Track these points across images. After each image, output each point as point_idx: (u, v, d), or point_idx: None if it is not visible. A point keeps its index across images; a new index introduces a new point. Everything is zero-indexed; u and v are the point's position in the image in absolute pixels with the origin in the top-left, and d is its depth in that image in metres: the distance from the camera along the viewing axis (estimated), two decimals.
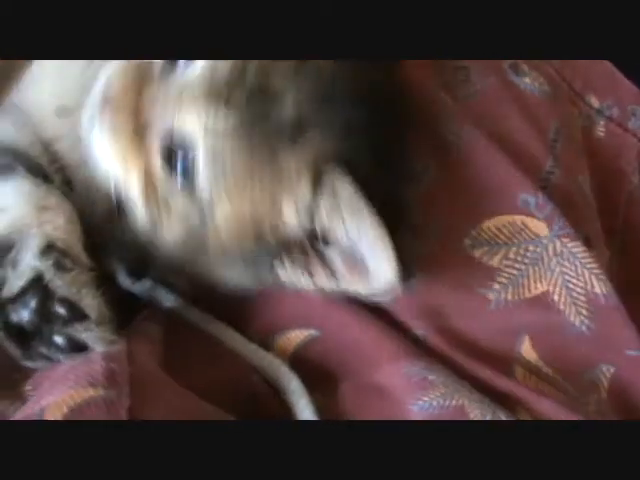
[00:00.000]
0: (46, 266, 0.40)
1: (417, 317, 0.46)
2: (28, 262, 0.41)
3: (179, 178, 0.40)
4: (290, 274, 0.41)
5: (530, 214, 0.46)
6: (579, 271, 0.46)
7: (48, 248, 0.41)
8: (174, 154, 0.40)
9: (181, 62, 0.40)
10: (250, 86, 0.39)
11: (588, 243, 0.47)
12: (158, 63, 0.41)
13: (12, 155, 0.46)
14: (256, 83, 0.39)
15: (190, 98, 0.39)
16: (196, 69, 0.39)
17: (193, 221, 0.40)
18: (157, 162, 0.40)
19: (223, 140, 0.38)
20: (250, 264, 0.41)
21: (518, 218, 0.46)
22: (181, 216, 0.41)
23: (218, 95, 0.39)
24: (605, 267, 0.48)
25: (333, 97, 0.39)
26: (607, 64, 0.57)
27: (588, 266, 0.46)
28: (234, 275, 0.42)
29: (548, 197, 0.46)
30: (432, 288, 0.45)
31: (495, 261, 0.45)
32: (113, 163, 0.42)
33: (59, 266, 0.41)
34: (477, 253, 0.45)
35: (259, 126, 0.38)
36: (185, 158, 0.40)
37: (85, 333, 0.40)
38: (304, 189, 0.39)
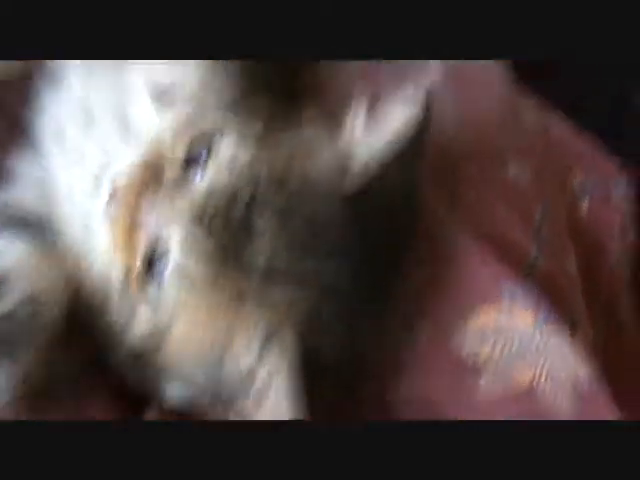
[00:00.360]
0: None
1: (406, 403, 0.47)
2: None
3: (152, 286, 0.41)
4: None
5: (515, 304, 0.47)
6: (565, 358, 0.47)
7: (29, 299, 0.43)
8: (154, 262, 0.41)
9: (193, 175, 0.41)
10: (235, 218, 0.40)
11: (573, 326, 0.48)
12: (172, 169, 0.42)
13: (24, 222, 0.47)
14: (241, 217, 0.40)
15: (180, 212, 0.40)
16: (199, 187, 0.40)
17: (154, 329, 0.41)
18: (138, 263, 0.41)
19: (195, 262, 0.39)
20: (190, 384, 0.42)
21: (505, 309, 0.47)
22: (146, 320, 0.41)
23: (202, 217, 0.39)
24: (590, 347, 0.49)
25: (313, 251, 0.40)
26: (590, 140, 0.58)
27: (573, 352, 0.47)
28: (173, 390, 0.43)
29: (533, 285, 0.47)
30: (421, 379, 0.46)
31: (483, 354, 0.46)
32: (103, 252, 0.43)
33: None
34: (465, 346, 0.46)
35: (231, 261, 0.39)
36: (162, 269, 0.40)
37: None
38: (254, 342, 0.40)
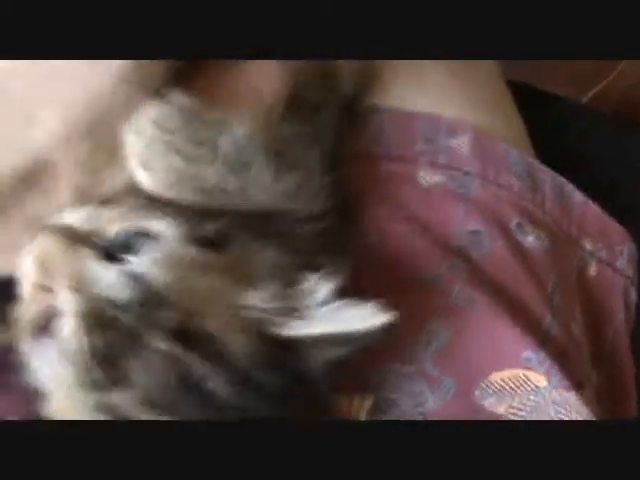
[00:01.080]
0: None
1: None
2: None
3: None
4: None
5: (532, 368, 0.52)
6: (572, 415, 0.53)
7: None
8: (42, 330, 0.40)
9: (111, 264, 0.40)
10: (124, 328, 0.38)
11: (580, 386, 0.54)
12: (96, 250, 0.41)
13: None
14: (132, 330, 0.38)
15: (68, 289, 0.39)
16: (110, 277, 0.39)
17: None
18: (27, 325, 0.41)
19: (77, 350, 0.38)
20: None
21: (522, 372, 0.52)
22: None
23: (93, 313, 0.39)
24: (595, 402, 0.55)
25: None
26: (599, 211, 0.64)
27: (580, 410, 0.53)
28: None
29: (547, 352, 0.53)
30: None
31: (501, 409, 0.52)
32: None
33: None
34: (486, 402, 0.52)
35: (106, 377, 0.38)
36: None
37: None
38: None
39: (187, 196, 0.42)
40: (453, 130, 0.59)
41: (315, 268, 0.41)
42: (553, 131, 0.73)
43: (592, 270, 0.63)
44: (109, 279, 0.39)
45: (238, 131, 0.42)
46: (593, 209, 0.64)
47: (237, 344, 0.38)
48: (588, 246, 0.63)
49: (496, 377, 0.52)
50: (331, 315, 0.39)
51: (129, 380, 0.37)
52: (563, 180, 0.63)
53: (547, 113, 0.75)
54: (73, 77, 0.38)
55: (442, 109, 0.60)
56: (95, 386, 0.37)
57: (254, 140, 0.43)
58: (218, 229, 0.41)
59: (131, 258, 0.39)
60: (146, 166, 0.41)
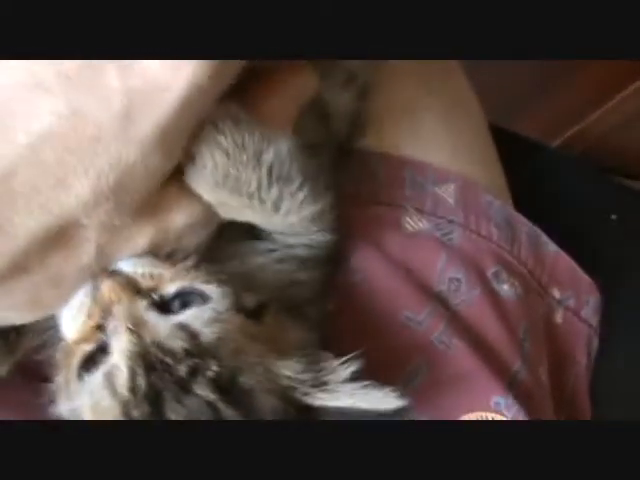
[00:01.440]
0: None
1: None
2: None
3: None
4: None
5: (500, 412, 0.56)
6: None
7: None
8: (93, 364, 0.44)
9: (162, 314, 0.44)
10: (177, 376, 0.41)
11: None
12: (150, 298, 0.44)
13: None
14: (183, 378, 0.41)
15: (124, 330, 0.43)
16: (163, 326, 0.43)
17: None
18: (78, 357, 0.44)
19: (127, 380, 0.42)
20: None
21: (490, 415, 0.56)
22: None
23: (144, 355, 0.42)
24: None
25: None
26: (570, 262, 0.68)
27: None
28: None
29: (514, 396, 0.56)
30: None
31: None
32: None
33: None
34: None
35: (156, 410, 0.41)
36: (91, 373, 0.43)
37: None
38: None
39: (226, 197, 0.45)
40: (440, 178, 0.62)
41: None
42: (531, 179, 0.77)
43: (559, 317, 0.66)
44: (164, 327, 0.42)
45: (283, 146, 0.45)
46: (564, 259, 0.67)
47: (266, 403, 0.43)
48: (557, 294, 0.67)
49: (466, 419, 0.56)
50: (353, 392, 0.44)
51: (166, 419, 0.41)
52: (538, 230, 0.67)
53: (525, 161, 0.78)
54: (105, 148, 0.38)
55: (432, 157, 0.63)
56: (129, 415, 0.41)
57: (296, 158, 0.46)
58: (256, 302, 0.46)
59: (184, 312, 0.43)
60: (193, 159, 0.43)
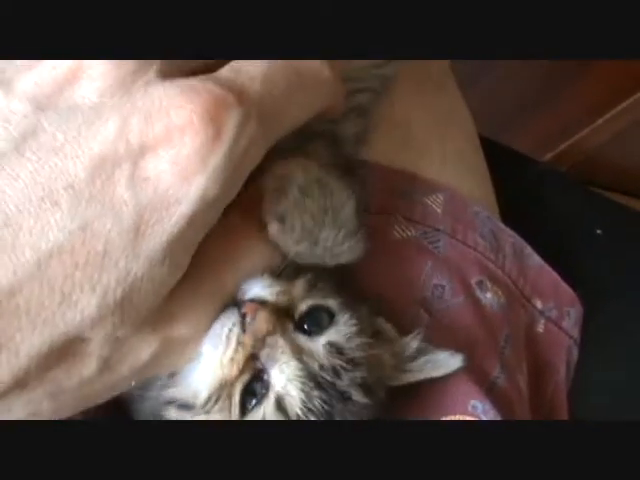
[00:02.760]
0: None
1: None
2: None
3: (238, 411, 0.46)
4: None
5: (477, 416, 0.57)
6: None
7: None
8: (252, 395, 0.46)
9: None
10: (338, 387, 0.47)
11: None
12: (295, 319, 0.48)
13: None
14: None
15: (287, 357, 0.46)
16: (315, 344, 0.47)
17: None
18: (238, 389, 0.46)
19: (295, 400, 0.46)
20: None
21: (467, 419, 0.58)
22: None
23: (311, 377, 0.46)
24: None
25: None
26: (553, 274, 0.70)
27: None
28: None
29: (492, 401, 0.58)
30: None
31: None
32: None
33: None
34: None
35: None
36: (257, 402, 0.46)
37: None
38: None
39: (304, 249, 0.48)
40: (429, 189, 0.64)
41: None
42: (519, 191, 0.79)
43: (540, 327, 0.68)
44: (316, 348, 0.46)
45: (351, 203, 0.50)
46: (548, 272, 0.69)
47: (381, 393, 0.50)
48: (539, 305, 0.68)
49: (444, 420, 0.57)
50: (422, 367, 0.52)
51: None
52: (523, 242, 0.69)
53: (515, 174, 0.80)
54: (113, 263, 0.38)
55: (421, 167, 0.65)
56: None
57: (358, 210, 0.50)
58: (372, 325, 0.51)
59: (328, 331, 0.47)
60: (282, 220, 0.46)
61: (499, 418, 0.57)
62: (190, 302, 0.44)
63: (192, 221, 0.39)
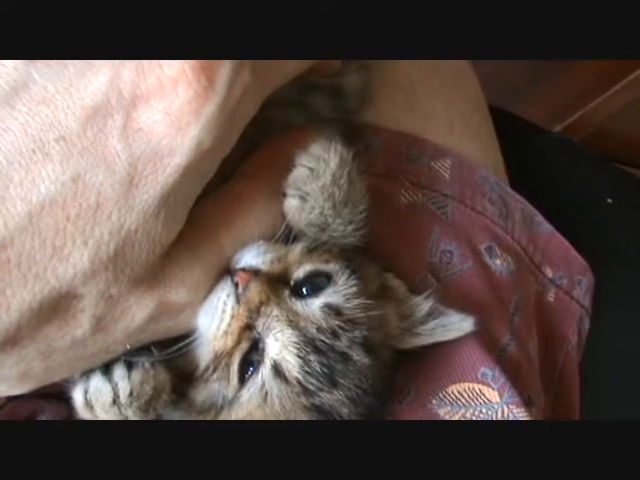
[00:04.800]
0: None
1: None
2: None
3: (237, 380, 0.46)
4: None
5: (487, 384, 0.56)
6: None
7: None
8: (250, 364, 0.45)
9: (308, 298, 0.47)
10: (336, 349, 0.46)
11: (529, 402, 0.58)
12: (291, 287, 0.47)
13: None
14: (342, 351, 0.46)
15: (281, 325, 0.45)
16: (312, 308, 0.46)
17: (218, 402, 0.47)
18: (236, 360, 0.45)
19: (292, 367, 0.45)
20: None
21: (477, 386, 0.56)
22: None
23: (308, 341, 0.45)
24: (542, 417, 0.59)
25: None
26: (563, 242, 0.68)
27: None
28: None
29: (502, 368, 0.57)
30: None
31: (455, 419, 0.56)
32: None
33: None
34: (441, 411, 0.56)
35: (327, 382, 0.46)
36: (253, 371, 0.45)
37: None
38: None
39: (312, 232, 0.48)
40: (437, 153, 0.63)
41: None
42: (529, 159, 0.77)
43: (551, 296, 0.67)
44: (312, 311, 0.46)
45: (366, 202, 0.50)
46: (558, 240, 0.68)
47: (385, 355, 0.49)
48: (549, 273, 0.67)
49: (453, 389, 0.56)
50: (432, 332, 0.51)
51: (337, 384, 0.46)
52: (533, 210, 0.67)
53: (525, 142, 0.79)
54: (106, 216, 0.37)
55: (429, 132, 0.64)
56: (308, 393, 0.45)
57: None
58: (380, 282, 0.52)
59: (323, 293, 0.47)
60: (304, 199, 0.47)
61: (509, 386, 0.56)
62: (188, 264, 0.43)
63: (187, 172, 0.38)
